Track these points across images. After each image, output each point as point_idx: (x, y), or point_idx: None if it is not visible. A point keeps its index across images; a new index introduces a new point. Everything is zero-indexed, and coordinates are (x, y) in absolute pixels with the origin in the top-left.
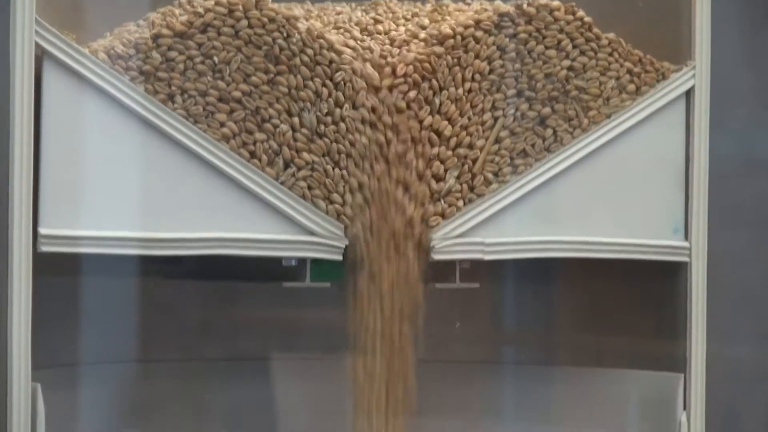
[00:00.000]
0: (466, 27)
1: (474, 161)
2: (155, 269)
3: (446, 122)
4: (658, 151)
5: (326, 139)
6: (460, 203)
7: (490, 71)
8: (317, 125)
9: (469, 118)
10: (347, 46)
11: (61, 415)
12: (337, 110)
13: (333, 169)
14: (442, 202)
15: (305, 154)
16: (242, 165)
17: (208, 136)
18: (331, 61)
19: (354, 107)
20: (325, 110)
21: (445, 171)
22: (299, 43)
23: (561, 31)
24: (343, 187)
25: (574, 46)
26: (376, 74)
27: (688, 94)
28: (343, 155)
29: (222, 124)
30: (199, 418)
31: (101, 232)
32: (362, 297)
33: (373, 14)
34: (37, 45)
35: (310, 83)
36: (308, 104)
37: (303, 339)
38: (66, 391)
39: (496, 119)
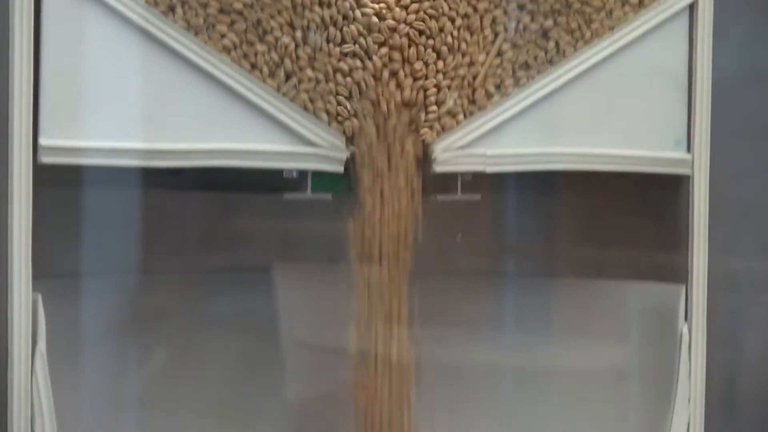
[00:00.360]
0: None
1: (475, 77)
2: (156, 181)
3: (442, 62)
4: (661, 63)
5: (331, 61)
6: (461, 116)
7: None
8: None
9: (467, 42)
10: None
11: (62, 326)
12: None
13: (335, 84)
14: (440, 122)
15: (309, 71)
16: (243, 76)
17: (209, 47)
18: (345, 17)
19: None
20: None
21: (439, 100)
22: None
23: None
24: (345, 99)
25: None
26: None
27: (692, 6)
28: (346, 71)
29: (223, 36)
30: (200, 328)
31: (102, 143)
32: (363, 208)
33: None
34: None
35: (318, 9)
36: (314, 25)
37: (304, 250)
38: (67, 301)
39: (497, 34)
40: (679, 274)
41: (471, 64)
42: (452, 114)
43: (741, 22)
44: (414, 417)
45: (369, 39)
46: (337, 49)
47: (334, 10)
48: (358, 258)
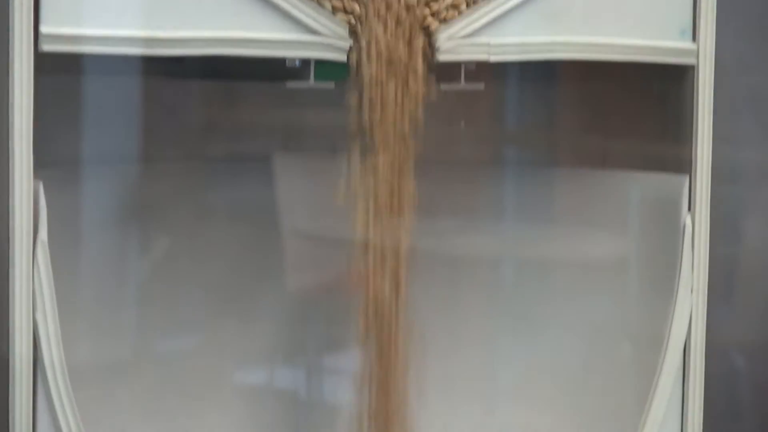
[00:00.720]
0: None
1: None
2: (157, 69)
3: None
4: None
5: None
6: (463, 6)
7: None
8: None
9: None
10: None
11: (63, 214)
12: None
13: None
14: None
15: None
16: None
17: None
18: None
19: None
20: None
21: None
22: None
23: None
24: None
25: None
26: None
27: None
28: None
29: None
30: (201, 217)
31: (103, 31)
32: (366, 97)
33: None
34: None
35: None
36: None
37: (306, 139)
38: (68, 190)
39: None
40: (683, 164)
41: None
42: (455, 4)
43: None
44: (413, 306)
45: None
46: None
47: None
48: (359, 147)
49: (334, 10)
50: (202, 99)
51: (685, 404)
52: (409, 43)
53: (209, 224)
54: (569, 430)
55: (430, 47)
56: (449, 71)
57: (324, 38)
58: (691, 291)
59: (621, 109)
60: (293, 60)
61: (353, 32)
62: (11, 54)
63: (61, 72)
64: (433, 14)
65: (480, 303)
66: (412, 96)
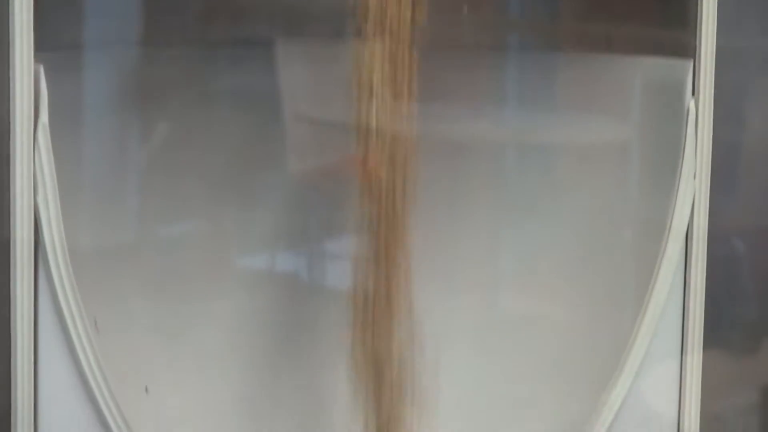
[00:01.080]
0: None
1: None
2: None
3: None
4: None
5: None
6: None
7: None
8: None
9: None
10: None
11: (64, 98)
12: None
13: None
14: None
15: None
16: None
17: None
18: None
19: None
20: None
21: None
22: None
23: None
24: None
25: None
26: None
27: None
28: None
29: None
30: (203, 101)
31: None
32: None
33: None
34: None
35: None
36: None
37: (309, 23)
38: (69, 74)
39: None
40: (687, 49)
41: None
42: None
43: None
44: (415, 192)
45: None
46: None
47: None
48: (362, 32)
49: None
50: None
51: (686, 290)
52: None
53: (210, 109)
54: (571, 317)
55: None
56: None
57: None
58: (694, 176)
59: None
60: None
61: None
62: None
63: None
64: None
65: (482, 189)
66: None
